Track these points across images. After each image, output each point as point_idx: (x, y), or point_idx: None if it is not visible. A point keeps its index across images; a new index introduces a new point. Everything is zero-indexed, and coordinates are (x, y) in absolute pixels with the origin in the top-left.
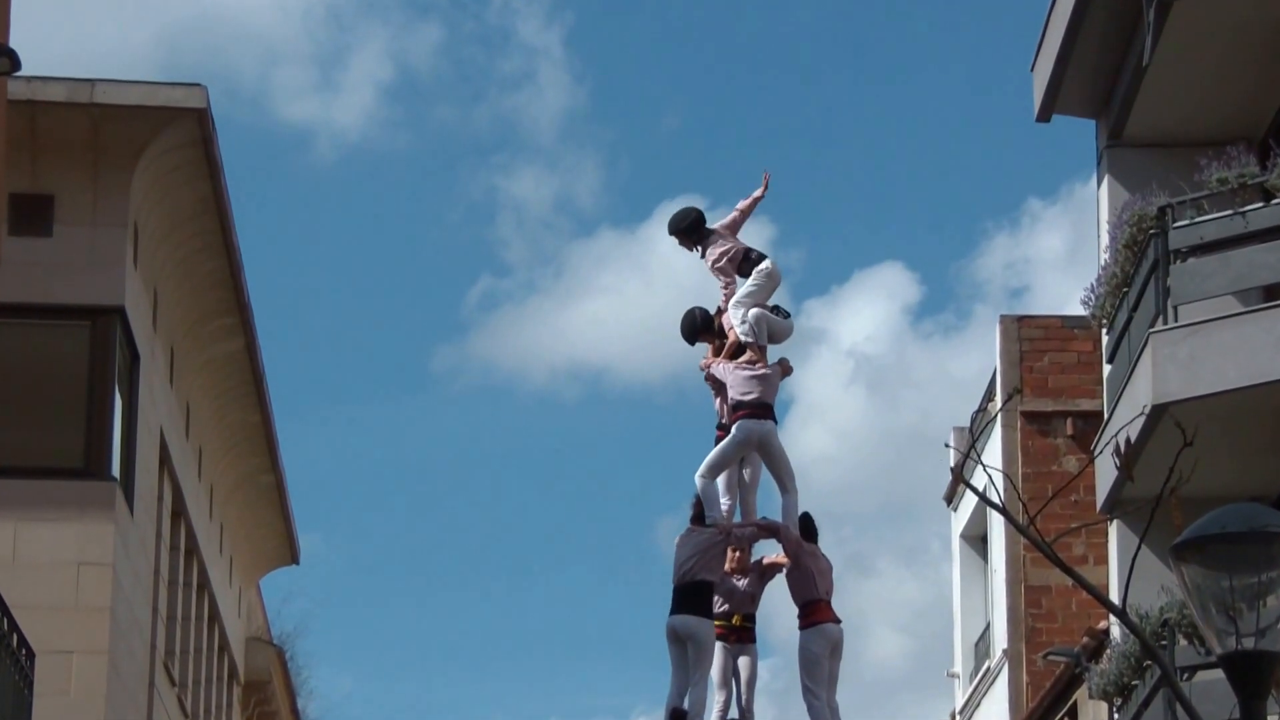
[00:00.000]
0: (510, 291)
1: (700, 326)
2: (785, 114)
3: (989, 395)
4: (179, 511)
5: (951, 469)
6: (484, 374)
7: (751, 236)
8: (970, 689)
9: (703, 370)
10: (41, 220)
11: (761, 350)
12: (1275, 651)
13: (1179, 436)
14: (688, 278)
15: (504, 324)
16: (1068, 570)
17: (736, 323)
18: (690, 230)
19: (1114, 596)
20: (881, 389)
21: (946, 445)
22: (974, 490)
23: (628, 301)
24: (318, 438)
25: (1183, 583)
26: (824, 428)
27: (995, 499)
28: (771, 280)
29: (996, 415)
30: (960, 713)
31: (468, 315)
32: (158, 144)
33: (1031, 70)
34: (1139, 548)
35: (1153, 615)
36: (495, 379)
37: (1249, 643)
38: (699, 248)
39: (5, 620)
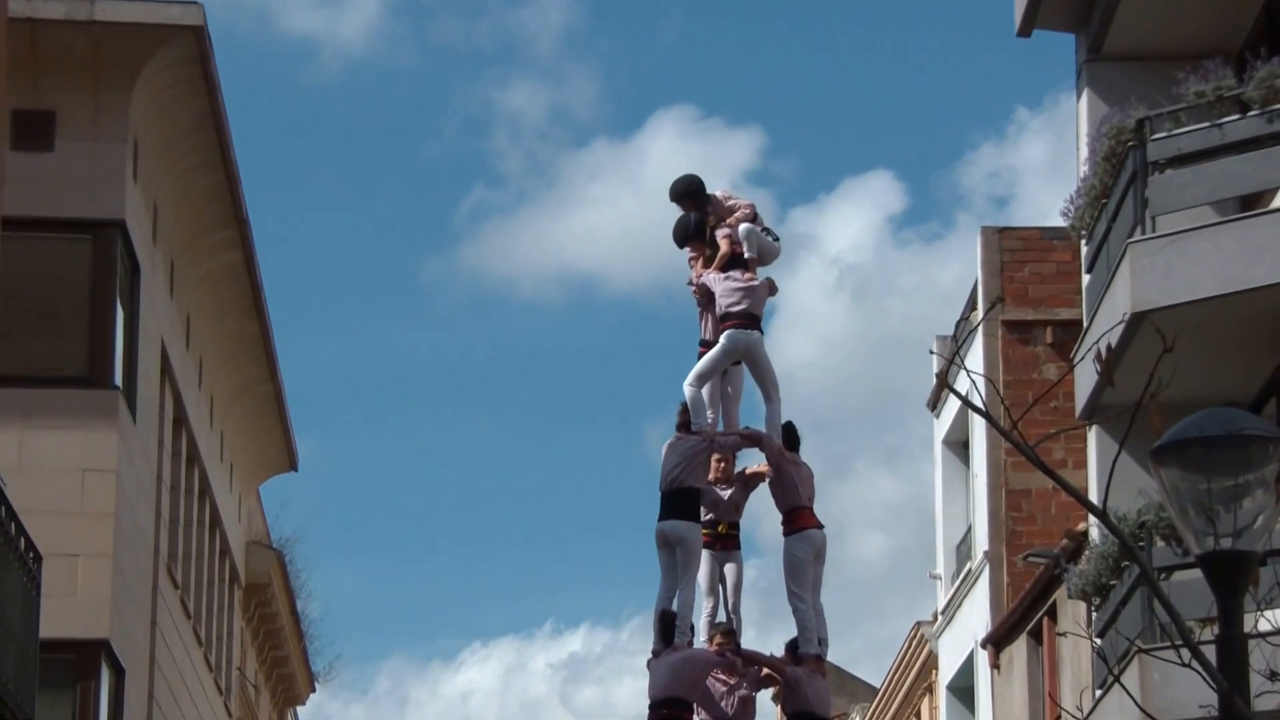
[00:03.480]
0: (502, 203)
1: (693, 232)
2: (778, 27)
3: (971, 304)
4: (180, 420)
5: (937, 375)
6: (472, 284)
7: (742, 144)
8: (952, 590)
9: (692, 284)
10: (43, 136)
11: (751, 264)
12: (1252, 551)
13: (1157, 343)
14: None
15: (494, 234)
16: (1050, 473)
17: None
18: (695, 195)
19: (1093, 500)
20: (866, 296)
21: (931, 352)
22: (958, 395)
23: (619, 211)
24: (315, 348)
25: (1162, 485)
26: (809, 334)
27: (978, 404)
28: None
29: (981, 322)
30: (942, 612)
31: (459, 226)
32: (156, 61)
33: None
34: (1119, 451)
35: (1130, 518)
36: (484, 288)
37: (1226, 543)
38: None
39: (13, 525)
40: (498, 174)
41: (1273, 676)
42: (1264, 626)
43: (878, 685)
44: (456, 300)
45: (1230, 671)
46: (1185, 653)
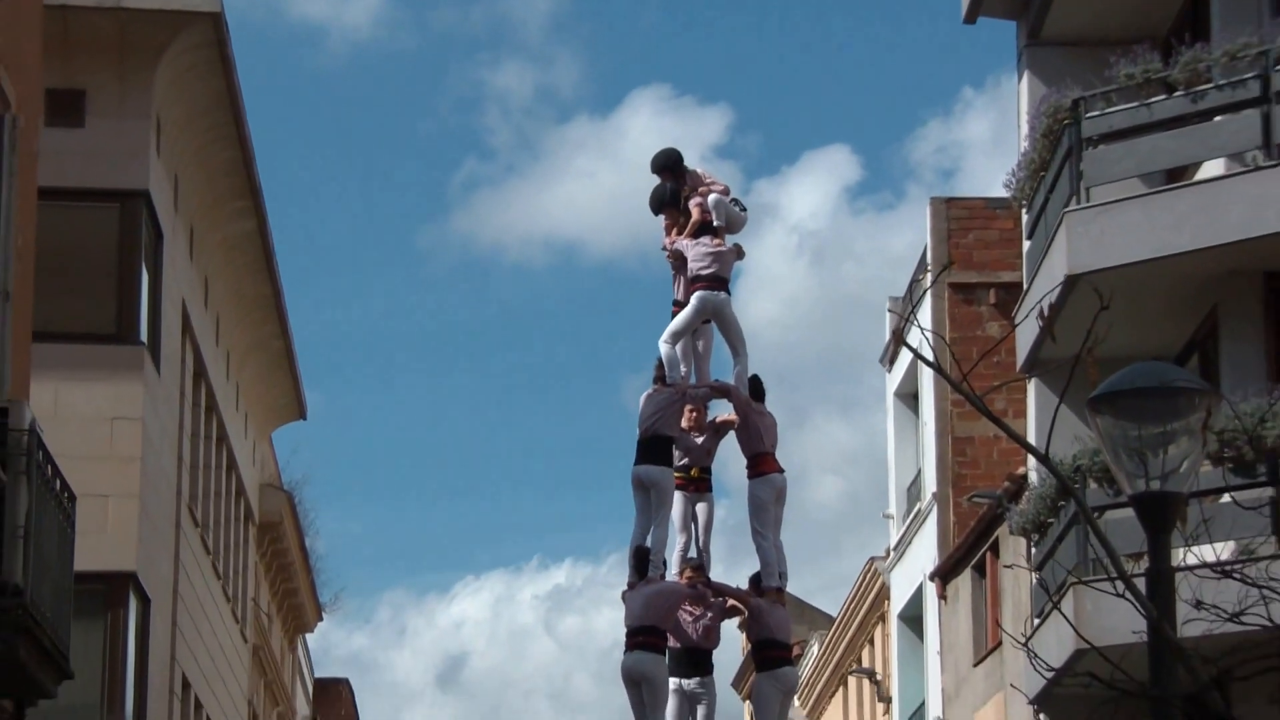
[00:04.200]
0: (492, 174)
1: (668, 200)
2: (747, 13)
3: (921, 268)
4: (200, 372)
5: (893, 332)
6: (464, 249)
7: (712, 120)
8: (903, 528)
9: (666, 249)
10: (74, 113)
11: (719, 231)
12: (1178, 493)
13: (1091, 303)
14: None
15: (484, 203)
16: (996, 421)
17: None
18: (673, 167)
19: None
20: (823, 261)
21: (890, 311)
22: (912, 350)
23: (599, 182)
24: (322, 306)
25: (1098, 432)
26: (772, 296)
27: (929, 358)
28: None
29: (929, 285)
30: (894, 549)
31: (452, 196)
32: (177, 44)
33: None
34: (1060, 401)
35: (1067, 462)
36: (475, 253)
37: (1156, 485)
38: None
39: (49, 467)
40: (488, 148)
41: (1199, 605)
42: (1191, 560)
43: (834, 615)
44: (449, 264)
45: (1159, 601)
46: (1118, 585)
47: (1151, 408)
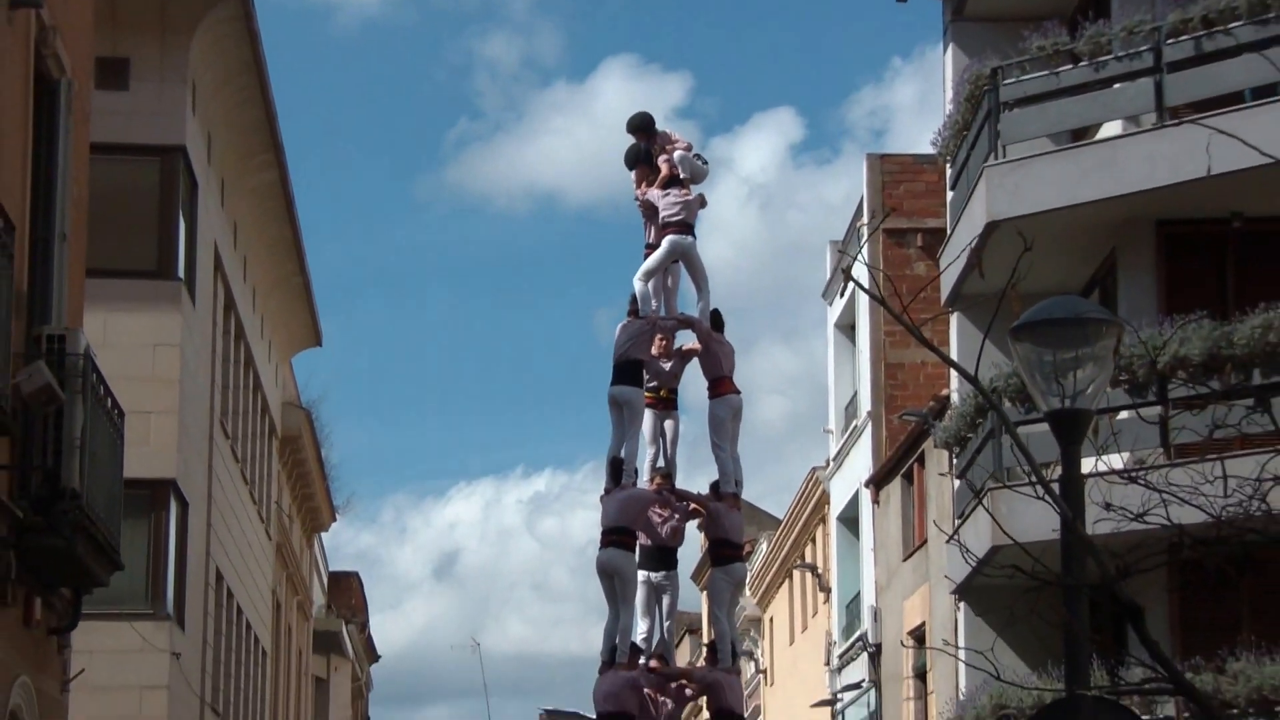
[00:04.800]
0: (481, 132)
1: (641, 157)
2: None
3: (858, 214)
4: (229, 305)
5: (843, 270)
6: (456, 197)
7: (675, 85)
8: (841, 441)
9: (638, 199)
10: (120, 78)
11: (685, 183)
12: (1087, 410)
13: (1007, 247)
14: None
15: (474, 158)
16: (931, 347)
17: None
18: (646, 128)
19: (953, 377)
20: (770, 209)
21: (841, 251)
22: (860, 286)
23: (575, 139)
24: (335, 247)
25: (1017, 357)
26: (725, 239)
27: (863, 302)
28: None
29: (868, 230)
30: (833, 459)
31: (446, 151)
32: (210, 18)
33: None
34: (988, 329)
35: (986, 384)
36: (466, 201)
37: (1068, 403)
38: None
39: (102, 387)
40: (478, 109)
41: (1108, 507)
42: (1101, 468)
43: (781, 517)
44: (443, 210)
45: (1071, 503)
46: (1029, 489)
47: (1065, 336)
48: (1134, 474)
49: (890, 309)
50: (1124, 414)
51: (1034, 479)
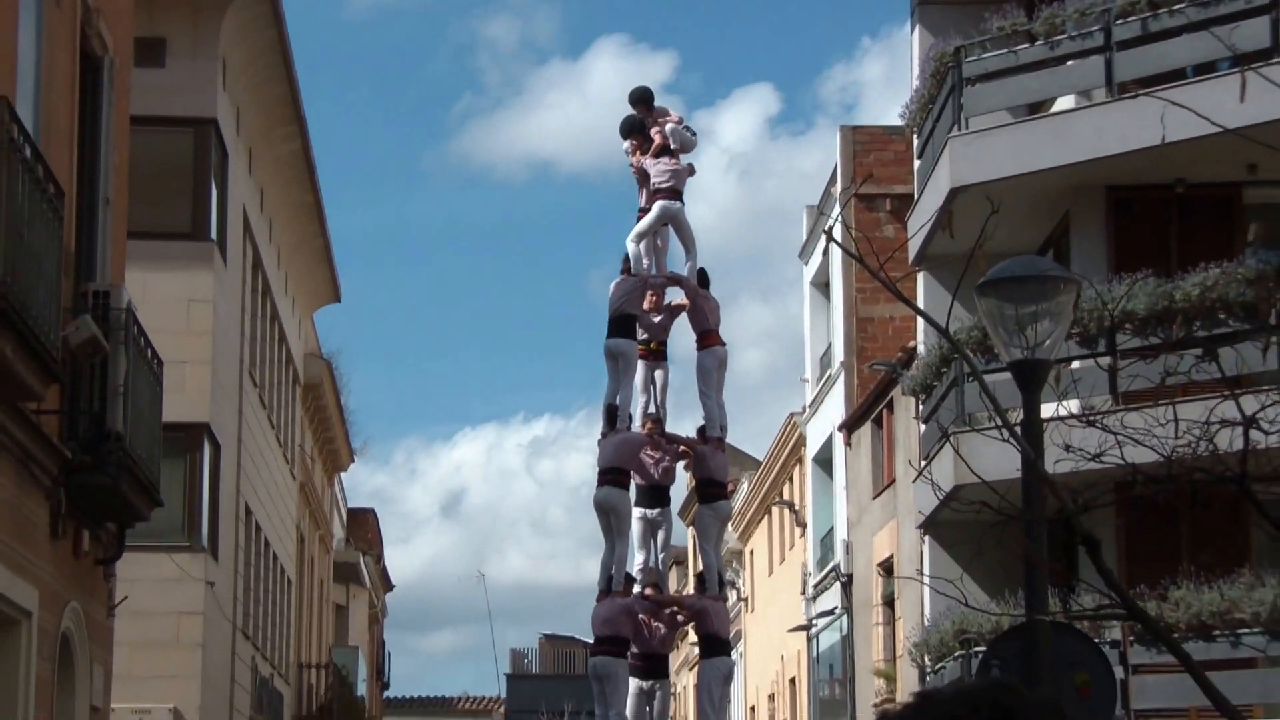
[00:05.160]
0: (483, 107)
1: (635, 129)
2: None
3: (832, 181)
4: (257, 264)
5: (825, 231)
6: (461, 167)
7: (661, 63)
8: (816, 389)
9: (633, 167)
10: (157, 56)
11: (675, 153)
12: (1046, 360)
13: (969, 211)
14: (612, 95)
15: (477, 130)
16: (905, 300)
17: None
18: (646, 102)
19: (919, 330)
20: (749, 177)
21: (822, 214)
22: (840, 246)
23: (569, 113)
24: (353, 211)
25: (982, 311)
26: (707, 205)
27: (839, 259)
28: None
29: (845, 196)
30: (809, 406)
31: (451, 124)
32: (238, 1)
33: None
34: (958, 286)
35: (957, 332)
36: (469, 170)
37: (1029, 354)
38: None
39: (142, 339)
40: (480, 85)
41: (1068, 449)
42: (1062, 413)
43: (761, 458)
44: (448, 179)
45: (1032, 444)
46: (990, 433)
47: (1026, 292)
48: (1091, 418)
49: (869, 268)
50: (1076, 364)
51: (999, 423)
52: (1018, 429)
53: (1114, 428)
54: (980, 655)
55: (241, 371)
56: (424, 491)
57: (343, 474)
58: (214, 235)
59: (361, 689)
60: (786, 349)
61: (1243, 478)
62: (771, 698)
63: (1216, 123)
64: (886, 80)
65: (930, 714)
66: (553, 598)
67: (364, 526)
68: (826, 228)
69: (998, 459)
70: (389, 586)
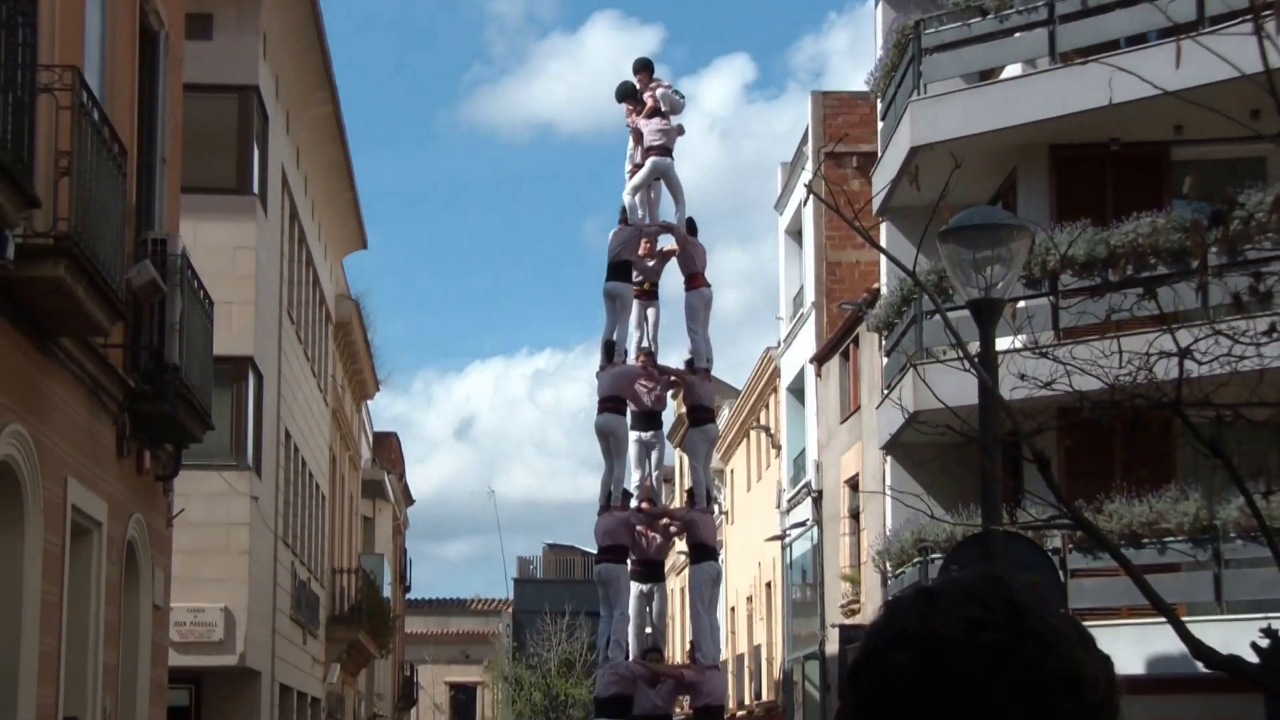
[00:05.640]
0: (490, 75)
1: (629, 93)
2: None
3: (804, 140)
4: (293, 215)
5: (805, 185)
6: (469, 129)
7: (650, 35)
8: (790, 326)
9: (629, 126)
10: (205, 30)
11: (667, 114)
12: (1000, 299)
13: (932, 168)
14: (606, 64)
15: (484, 96)
16: (875, 245)
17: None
18: (647, 70)
19: (882, 273)
20: (728, 138)
21: (805, 166)
22: (818, 197)
23: (568, 80)
24: (375, 168)
25: (944, 255)
26: (691, 162)
27: (809, 212)
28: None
29: (822, 154)
30: (784, 341)
31: (461, 91)
32: None
33: None
34: (924, 233)
35: (909, 280)
36: (477, 132)
37: (984, 293)
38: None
39: (195, 281)
40: (488, 56)
41: (1022, 378)
42: (1018, 345)
43: (739, 388)
44: (459, 139)
45: (988, 373)
46: (945, 365)
47: (983, 238)
48: (1043, 350)
49: (845, 217)
50: (1023, 303)
51: (960, 354)
52: (976, 360)
53: (1064, 359)
54: (935, 561)
55: (281, 310)
56: (439, 417)
57: (369, 401)
58: (256, 190)
59: (387, 591)
60: (762, 291)
61: (1178, 403)
62: (750, 599)
63: (1157, 85)
64: (850, 50)
65: (944, 614)
66: (554, 511)
67: (388, 448)
68: (806, 182)
69: (952, 388)
70: (410, 501)
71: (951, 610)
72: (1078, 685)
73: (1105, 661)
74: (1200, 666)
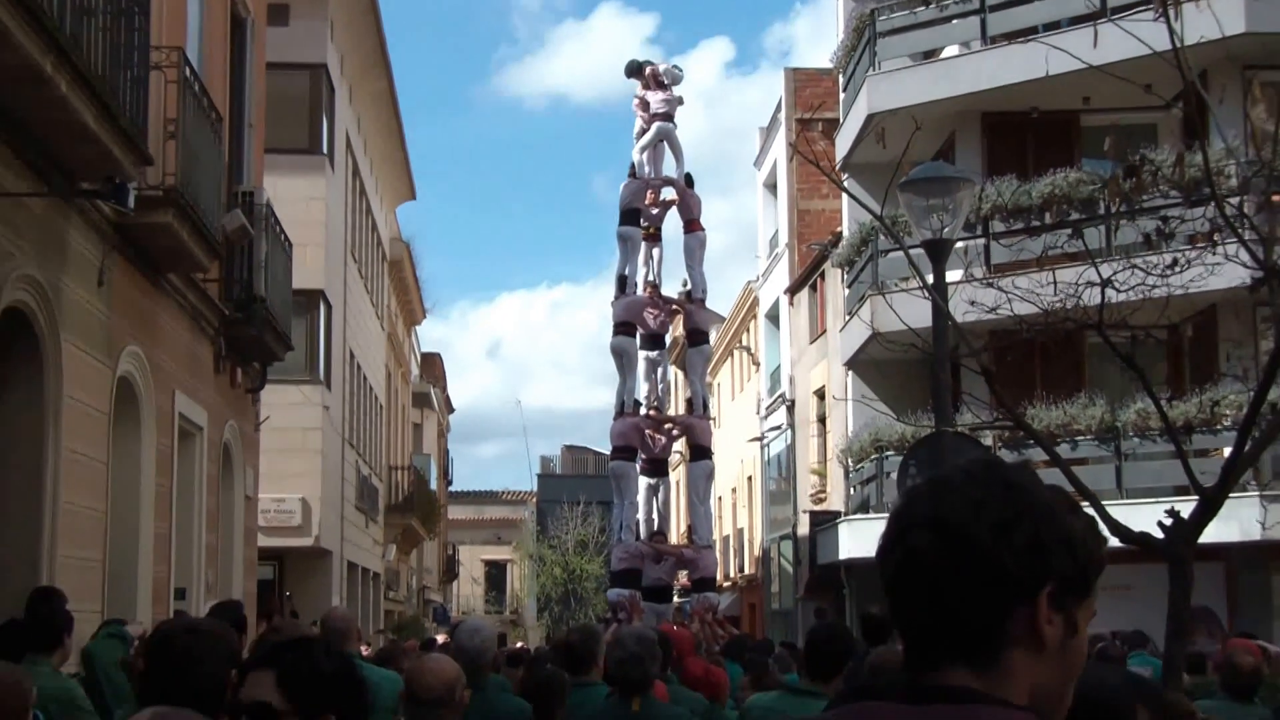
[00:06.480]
0: (514, 55)
1: (637, 70)
2: None
3: (778, 109)
4: (355, 171)
5: (790, 144)
6: (496, 100)
7: (646, 22)
8: (767, 263)
9: (637, 97)
10: (283, 17)
11: (668, 86)
12: (950, 239)
13: (892, 132)
14: (608, 47)
15: (509, 74)
16: (846, 190)
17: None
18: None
19: (844, 218)
20: (712, 106)
21: (791, 141)
22: (800, 153)
23: (578, 59)
24: (423, 131)
25: (904, 202)
26: (682, 128)
27: (782, 168)
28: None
29: (795, 121)
30: (762, 275)
31: (491, 69)
32: None
33: None
34: (890, 183)
35: (868, 221)
36: (502, 102)
37: (937, 234)
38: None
39: (277, 226)
40: (513, 38)
41: (972, 304)
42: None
43: (725, 314)
44: (489, 108)
45: (940, 301)
46: (896, 295)
47: (935, 188)
48: (990, 280)
49: (824, 170)
50: (960, 244)
51: (920, 283)
52: (931, 288)
53: (1006, 289)
54: (888, 457)
55: (345, 251)
56: (473, 341)
57: (417, 327)
58: (325, 150)
59: (433, 484)
60: (741, 234)
61: (1100, 324)
62: (734, 490)
63: (1084, 60)
64: (811, 35)
65: (952, 498)
66: (571, 417)
67: (433, 366)
68: (791, 141)
69: (903, 314)
70: (451, 410)
71: (958, 494)
72: (1071, 547)
73: (1091, 523)
74: (1115, 541)
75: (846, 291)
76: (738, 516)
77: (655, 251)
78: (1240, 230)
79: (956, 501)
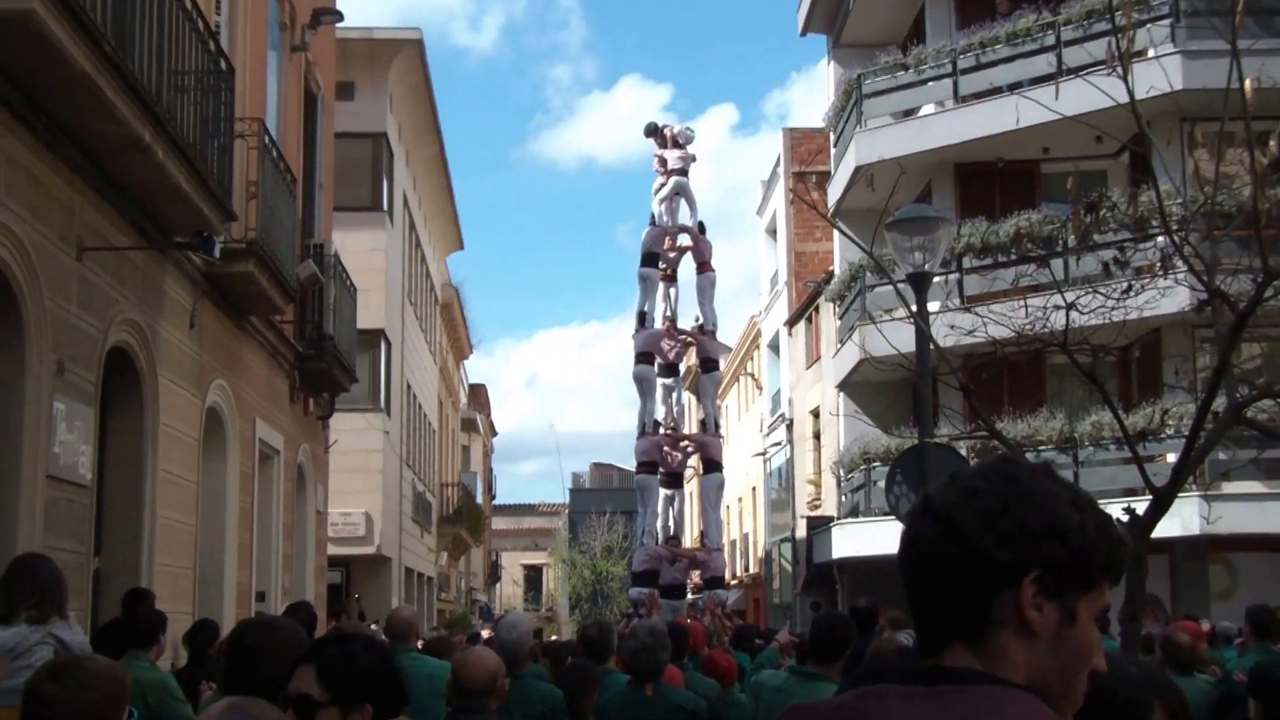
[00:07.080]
0: (549, 123)
1: (654, 131)
2: (687, 13)
3: (777, 164)
4: (412, 225)
5: (790, 189)
6: (533, 162)
7: (663, 92)
8: (769, 299)
9: (656, 155)
10: (349, 93)
11: (683, 145)
12: (930, 272)
13: (878, 180)
14: (629, 114)
15: (543, 139)
16: (842, 230)
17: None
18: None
19: (836, 259)
20: (718, 164)
21: (790, 188)
22: (800, 198)
23: (603, 126)
24: (470, 189)
25: (890, 240)
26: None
27: (782, 215)
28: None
29: (791, 175)
30: (764, 310)
31: (528, 134)
32: (400, 57)
33: (797, 11)
34: (878, 225)
35: (858, 260)
36: (539, 164)
37: (918, 268)
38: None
39: (344, 274)
40: (547, 108)
41: (952, 328)
42: (950, 307)
43: (731, 345)
44: (526, 169)
45: (923, 326)
46: (882, 324)
47: (916, 228)
48: (969, 307)
49: (822, 213)
50: (938, 278)
51: (908, 311)
52: (915, 315)
53: (983, 314)
54: (875, 468)
55: (403, 295)
56: (512, 373)
57: (465, 361)
58: (385, 208)
59: (479, 498)
60: (746, 274)
61: (1064, 344)
62: (740, 500)
63: (1054, 109)
64: (805, 99)
65: (952, 490)
66: (598, 438)
67: (478, 395)
68: (790, 187)
69: (889, 340)
70: (494, 433)
71: (959, 486)
72: (1063, 535)
73: (1102, 519)
74: None
75: (838, 322)
76: (744, 522)
77: (672, 290)
78: (1189, 259)
79: (954, 491)
